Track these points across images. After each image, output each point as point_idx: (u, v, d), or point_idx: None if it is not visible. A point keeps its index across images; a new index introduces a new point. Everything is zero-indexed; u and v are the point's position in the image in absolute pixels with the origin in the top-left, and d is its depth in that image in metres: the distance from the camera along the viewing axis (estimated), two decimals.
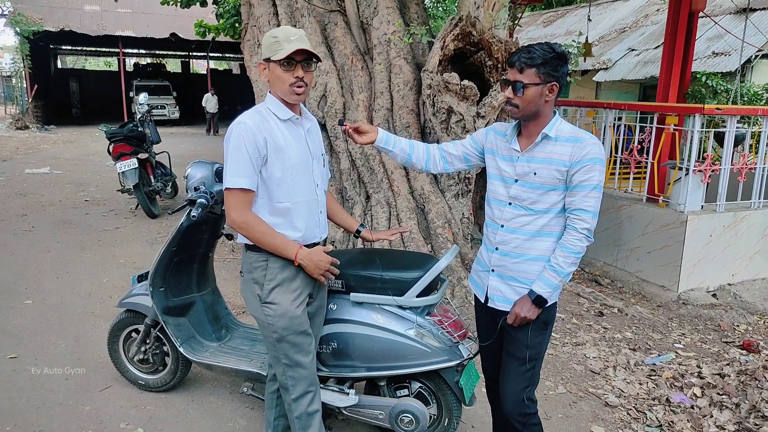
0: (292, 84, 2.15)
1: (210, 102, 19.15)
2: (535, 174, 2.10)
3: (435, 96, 4.57)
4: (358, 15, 5.33)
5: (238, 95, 23.64)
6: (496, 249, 2.22)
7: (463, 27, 4.47)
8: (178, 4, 11.48)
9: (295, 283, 2.27)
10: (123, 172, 6.83)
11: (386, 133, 2.38)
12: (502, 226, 2.20)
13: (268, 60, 2.16)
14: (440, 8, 17.37)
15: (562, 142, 2.08)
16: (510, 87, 2.08)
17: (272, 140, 2.15)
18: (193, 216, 2.62)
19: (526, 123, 2.15)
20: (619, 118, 5.72)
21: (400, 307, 2.55)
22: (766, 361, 3.72)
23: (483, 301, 2.30)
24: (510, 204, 2.18)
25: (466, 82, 4.37)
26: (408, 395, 2.68)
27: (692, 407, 3.26)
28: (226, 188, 2.14)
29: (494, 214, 2.26)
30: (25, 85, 20.62)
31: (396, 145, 2.39)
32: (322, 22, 5.45)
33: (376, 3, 5.19)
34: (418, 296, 2.52)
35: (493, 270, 2.24)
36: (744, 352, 4.03)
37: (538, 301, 2.10)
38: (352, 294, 2.58)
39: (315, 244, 2.37)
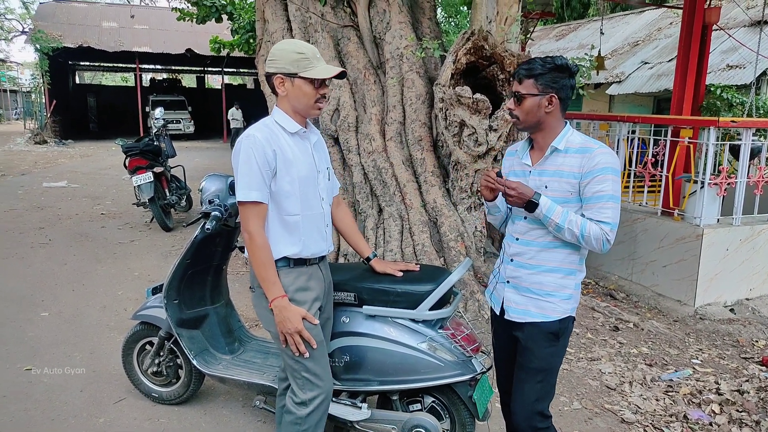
0: (318, 100, 2.21)
1: (235, 115, 19.32)
2: (546, 187, 2.11)
3: (447, 109, 4.58)
4: (371, 30, 5.38)
5: (252, 110, 23.86)
6: (511, 260, 2.24)
7: (476, 41, 4.50)
8: (194, 20, 11.64)
9: (306, 295, 2.28)
10: (138, 186, 6.92)
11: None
12: (517, 239, 2.22)
13: (292, 75, 2.18)
14: (452, 23, 17.49)
15: (572, 154, 2.08)
16: (513, 98, 2.13)
17: (281, 153, 2.18)
18: (208, 229, 2.64)
19: (535, 136, 2.18)
20: (633, 132, 5.70)
21: (413, 320, 2.54)
22: None
23: (499, 313, 2.30)
24: (525, 218, 2.18)
25: (478, 95, 4.38)
26: (421, 410, 2.66)
27: (710, 424, 3.20)
28: (239, 202, 2.17)
29: (510, 227, 2.28)
30: (44, 101, 21.01)
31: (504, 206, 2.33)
32: (336, 37, 5.51)
33: (388, 18, 5.24)
34: (430, 309, 2.51)
35: (508, 281, 2.25)
36: (764, 368, 3.95)
37: (530, 204, 2.05)
38: (364, 307, 2.57)
39: (322, 258, 2.39)
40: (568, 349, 4.02)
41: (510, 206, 2.27)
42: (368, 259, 2.63)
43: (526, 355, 2.21)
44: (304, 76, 2.16)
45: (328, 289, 2.47)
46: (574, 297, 2.20)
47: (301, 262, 2.30)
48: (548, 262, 2.15)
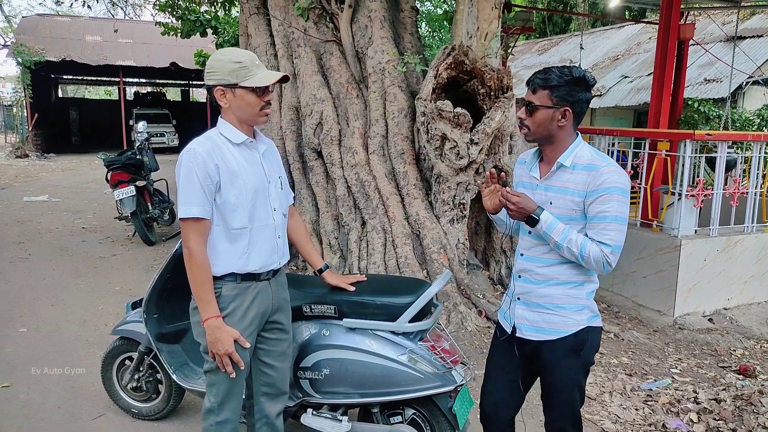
0: (263, 108, 2.17)
1: None
2: (551, 203, 2.05)
3: (429, 123, 4.63)
4: (354, 45, 5.43)
5: None
6: (519, 276, 2.18)
7: (456, 56, 4.56)
8: (178, 34, 11.65)
9: (247, 315, 2.22)
10: (120, 200, 6.86)
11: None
12: (522, 254, 2.17)
13: (232, 86, 2.12)
14: (436, 37, 17.64)
15: (579, 171, 2.00)
16: (524, 108, 2.03)
17: (225, 166, 2.12)
18: None
19: (545, 148, 2.11)
20: (613, 144, 5.79)
21: (393, 332, 2.55)
22: (762, 386, 3.70)
23: (510, 332, 2.23)
24: (530, 233, 2.13)
25: (459, 109, 4.44)
26: (401, 422, 2.66)
27: None
28: (180, 218, 2.11)
29: (518, 242, 2.23)
30: (25, 114, 20.79)
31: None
32: (318, 52, 5.56)
33: (370, 33, 5.30)
34: (410, 321, 2.52)
35: (518, 298, 2.19)
36: (741, 377, 4.01)
37: (531, 219, 2.01)
38: (344, 320, 2.58)
39: (275, 272, 2.34)
40: None
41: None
42: (320, 271, 2.63)
43: (547, 373, 2.16)
44: (245, 86, 2.11)
45: (280, 306, 2.39)
46: (589, 307, 2.11)
47: (249, 277, 2.23)
48: (556, 276, 2.08)
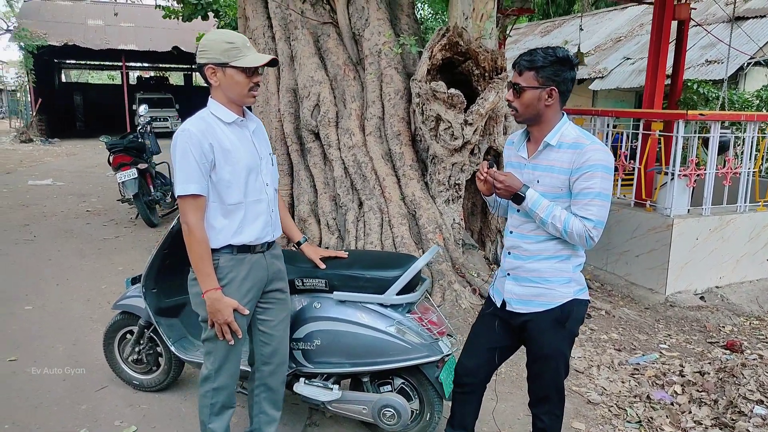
0: (251, 89, 2.26)
1: None
2: (538, 182, 2.13)
3: (424, 104, 4.69)
4: (350, 26, 5.47)
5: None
6: (509, 253, 2.28)
7: (450, 37, 4.61)
8: (180, 17, 11.67)
9: (243, 285, 2.34)
10: (123, 182, 6.97)
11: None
12: (512, 232, 2.27)
13: (223, 65, 2.21)
14: (439, 20, 17.57)
15: (565, 149, 2.08)
16: (511, 89, 2.11)
17: (218, 144, 2.22)
18: None
19: (532, 128, 2.19)
20: (615, 126, 5.81)
21: (382, 305, 2.65)
22: (745, 359, 3.79)
23: (500, 305, 2.33)
24: (518, 211, 2.22)
25: (453, 90, 4.49)
26: (391, 390, 2.77)
27: (672, 404, 3.34)
28: (178, 196, 2.21)
29: (507, 220, 2.33)
30: (29, 99, 20.88)
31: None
32: (315, 34, 5.60)
33: (367, 15, 5.33)
34: (398, 294, 2.62)
35: (508, 274, 2.28)
36: (727, 351, 4.10)
37: (517, 197, 2.11)
38: (335, 293, 2.68)
39: (270, 244, 2.45)
40: None
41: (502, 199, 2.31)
42: (299, 244, 2.75)
43: (534, 343, 2.26)
44: (236, 65, 2.20)
45: (276, 276, 2.50)
46: (575, 280, 2.20)
47: (245, 249, 2.34)
48: (543, 251, 2.17)
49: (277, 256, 2.53)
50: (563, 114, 2.15)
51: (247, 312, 2.36)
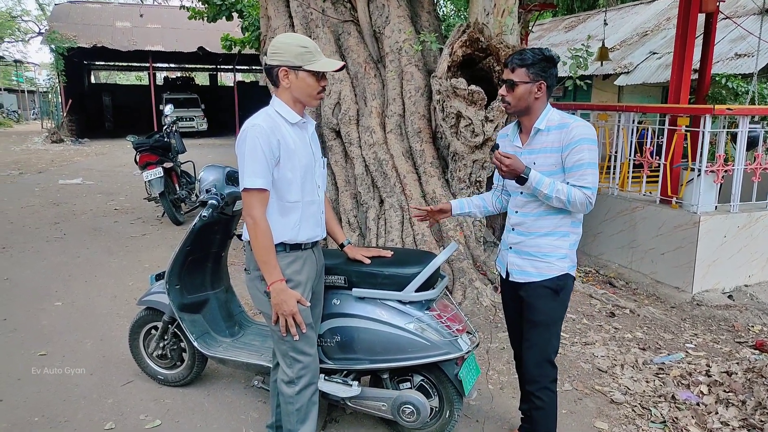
0: (319, 92, 2.35)
1: None
2: (535, 164, 2.39)
3: (444, 101, 4.67)
4: (371, 24, 5.48)
5: (263, 106, 24.06)
6: (513, 229, 2.55)
7: (471, 33, 4.58)
8: (205, 18, 11.83)
9: (301, 278, 2.40)
10: (149, 181, 7.10)
11: (458, 201, 2.77)
12: (516, 211, 2.53)
13: (296, 68, 2.28)
14: (462, 16, 17.48)
15: (553, 131, 2.36)
16: (505, 85, 2.36)
17: (284, 142, 2.28)
18: (204, 216, 2.77)
19: (523, 119, 2.46)
20: (641, 122, 5.70)
21: (401, 301, 2.66)
22: None
23: (504, 276, 2.60)
24: (521, 193, 2.47)
25: (473, 87, 4.47)
26: (410, 387, 2.78)
27: (698, 404, 3.27)
28: (245, 189, 2.25)
29: (512, 201, 2.59)
30: (60, 100, 21.39)
31: (471, 205, 2.76)
32: (336, 32, 5.62)
33: (387, 12, 5.33)
34: (417, 291, 2.62)
35: (511, 247, 2.55)
36: (756, 351, 4.01)
37: (521, 178, 2.31)
38: (354, 289, 2.69)
39: (315, 243, 2.51)
40: (563, 333, 4.12)
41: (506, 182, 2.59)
42: (342, 246, 2.79)
43: (530, 310, 2.51)
44: (309, 69, 2.28)
45: (320, 272, 2.60)
46: (570, 256, 2.47)
47: (296, 247, 2.41)
48: (543, 228, 2.44)
49: (321, 253, 2.62)
50: (548, 103, 2.41)
51: (308, 304, 2.41)
